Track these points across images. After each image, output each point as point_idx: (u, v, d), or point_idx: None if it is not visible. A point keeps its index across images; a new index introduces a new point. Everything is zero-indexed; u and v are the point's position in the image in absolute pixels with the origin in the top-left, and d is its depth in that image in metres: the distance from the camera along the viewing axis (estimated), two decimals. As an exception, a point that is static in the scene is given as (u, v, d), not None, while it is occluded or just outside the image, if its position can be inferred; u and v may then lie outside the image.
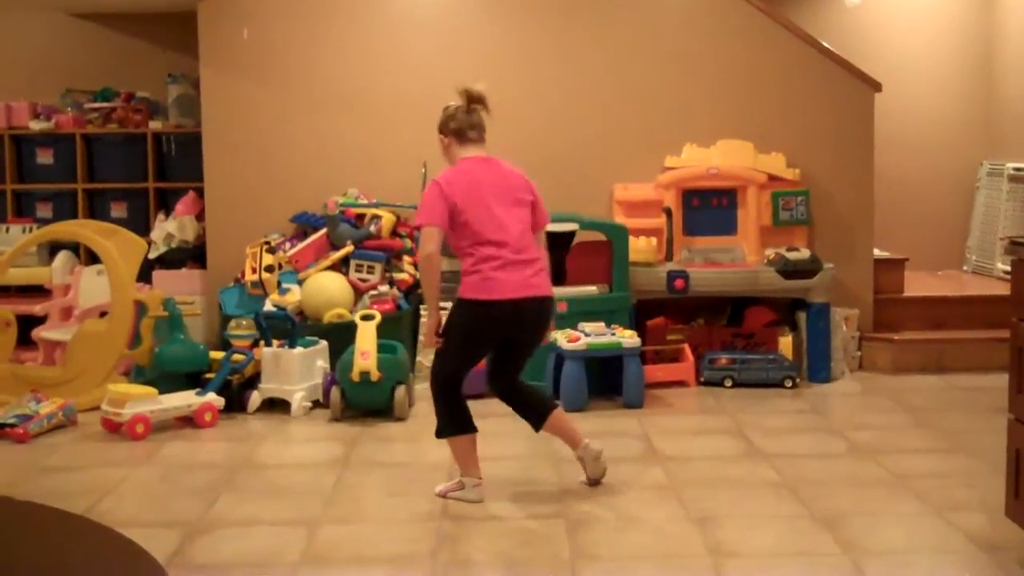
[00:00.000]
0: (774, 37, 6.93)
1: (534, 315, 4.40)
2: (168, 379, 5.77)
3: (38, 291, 7.00)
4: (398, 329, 6.24)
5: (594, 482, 4.51)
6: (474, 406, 5.88)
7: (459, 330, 4.39)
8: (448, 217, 4.32)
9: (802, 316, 6.50)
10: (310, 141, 7.01)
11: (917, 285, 7.31)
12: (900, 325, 6.93)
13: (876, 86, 6.96)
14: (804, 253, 6.45)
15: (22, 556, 2.37)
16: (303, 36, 6.98)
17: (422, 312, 4.65)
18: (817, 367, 6.43)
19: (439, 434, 4.48)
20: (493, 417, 5.70)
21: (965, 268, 8.25)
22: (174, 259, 7.16)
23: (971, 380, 6.40)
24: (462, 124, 4.55)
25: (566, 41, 6.98)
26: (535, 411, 4.55)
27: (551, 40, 6.97)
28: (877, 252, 7.10)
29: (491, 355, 4.54)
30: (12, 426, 5.30)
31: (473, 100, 4.58)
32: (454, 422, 4.47)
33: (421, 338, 4.67)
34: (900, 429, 5.43)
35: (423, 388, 6.20)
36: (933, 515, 4.10)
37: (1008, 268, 3.98)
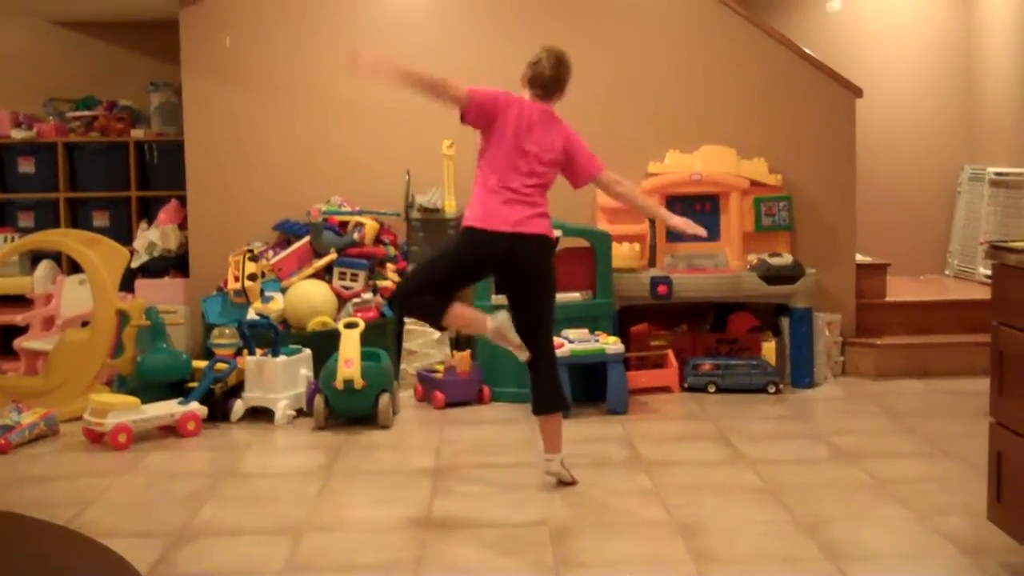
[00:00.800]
0: (756, 43, 6.96)
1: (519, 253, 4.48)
2: (151, 388, 5.74)
3: (20, 301, 6.97)
4: (382, 337, 6.23)
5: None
6: (462, 413, 5.92)
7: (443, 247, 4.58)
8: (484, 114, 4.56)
9: (785, 321, 6.52)
10: (293, 149, 7.00)
11: (899, 290, 7.34)
12: (883, 330, 6.96)
13: (857, 92, 6.99)
14: (787, 258, 6.47)
15: (5, 566, 2.37)
16: (285, 44, 6.97)
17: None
18: (800, 372, 6.44)
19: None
20: (479, 424, 5.72)
21: (947, 272, 8.29)
22: (156, 268, 7.15)
23: (953, 384, 6.42)
24: (536, 74, 4.74)
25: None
26: (542, 399, 4.59)
27: (533, 46, 6.95)
28: (859, 257, 7.12)
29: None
30: (-7, 436, 5.28)
31: (560, 63, 4.76)
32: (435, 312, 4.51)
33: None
34: (883, 434, 5.45)
35: (407, 396, 6.23)
36: (916, 520, 4.12)
37: (989, 272, 4.01)
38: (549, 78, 4.73)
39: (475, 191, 4.58)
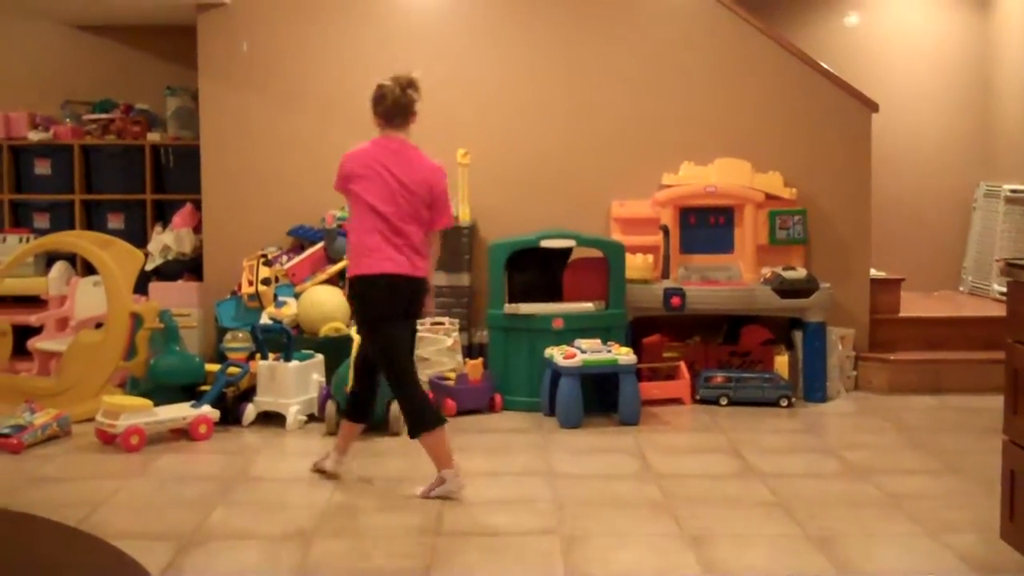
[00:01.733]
0: (773, 57, 6.96)
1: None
2: (163, 391, 5.76)
3: (34, 301, 7.00)
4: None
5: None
6: (474, 421, 5.92)
7: None
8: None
9: (798, 335, 6.50)
10: (308, 154, 7.01)
11: (913, 305, 7.33)
12: (896, 345, 6.94)
13: (873, 106, 6.98)
14: (800, 272, 6.46)
15: (16, 566, 2.37)
16: (302, 49, 7.00)
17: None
18: (813, 386, 6.43)
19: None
20: (490, 433, 5.72)
21: (961, 289, 8.27)
22: (171, 271, 7.16)
23: (966, 401, 6.40)
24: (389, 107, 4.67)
25: (566, 59, 6.99)
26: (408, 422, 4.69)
27: (551, 58, 6.99)
28: (873, 272, 7.11)
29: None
30: (6, 436, 5.29)
31: (406, 86, 4.70)
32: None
33: None
34: (895, 449, 5.43)
35: (418, 403, 6.21)
36: (927, 536, 4.10)
37: (1004, 289, 4.00)
38: (406, 102, 4.72)
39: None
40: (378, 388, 4.85)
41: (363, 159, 4.63)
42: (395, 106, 4.66)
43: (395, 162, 4.61)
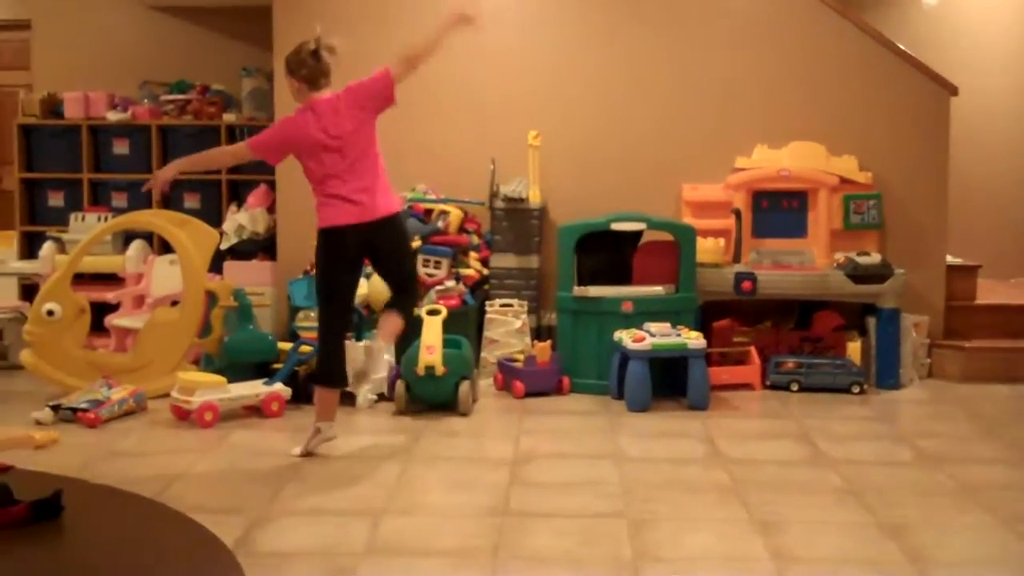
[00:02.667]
0: (848, 37, 6.86)
1: None
2: (237, 368, 5.84)
3: (112, 279, 7.13)
4: (464, 324, 6.27)
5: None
6: (542, 402, 5.93)
7: None
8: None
9: (871, 321, 6.42)
10: (380, 137, 7.03)
11: (989, 293, 7.20)
12: (971, 333, 6.83)
13: (952, 89, 6.86)
14: (875, 258, 6.37)
15: (97, 537, 2.43)
16: (375, 33, 7.02)
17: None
18: (885, 373, 6.35)
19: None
20: (557, 415, 5.73)
21: (1039, 277, 8.12)
22: (245, 250, 7.26)
23: (1043, 391, 6.30)
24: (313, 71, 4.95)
25: (635, 39, 6.96)
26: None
27: (620, 38, 6.96)
28: (950, 258, 7.00)
29: None
30: (84, 411, 5.41)
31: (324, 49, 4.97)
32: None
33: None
34: (968, 439, 5.35)
35: (487, 384, 6.26)
36: (1001, 526, 4.04)
37: (1085, 277, 3.93)
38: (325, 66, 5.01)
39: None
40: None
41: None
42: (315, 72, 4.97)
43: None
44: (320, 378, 4.99)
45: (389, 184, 4.98)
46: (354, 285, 5.03)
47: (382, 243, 4.89)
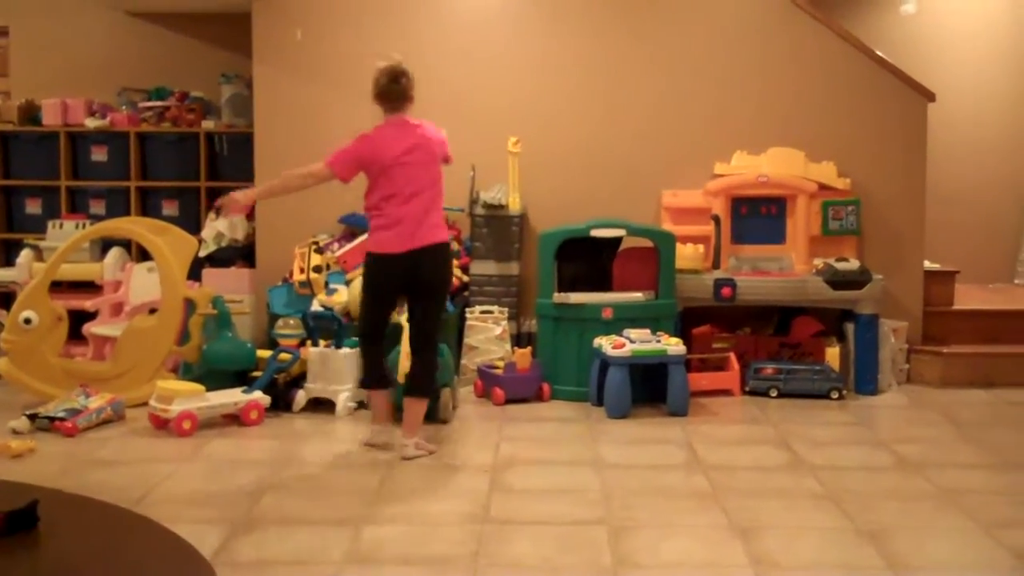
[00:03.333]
0: (827, 45, 6.89)
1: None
2: (215, 376, 5.82)
3: (90, 287, 7.09)
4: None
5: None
6: (522, 409, 5.93)
7: None
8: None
9: (850, 327, 6.45)
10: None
11: (967, 298, 7.24)
12: (949, 338, 6.86)
13: (929, 96, 6.90)
14: (853, 263, 6.40)
15: (73, 548, 2.41)
16: (355, 37, 7.03)
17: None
18: (864, 379, 6.37)
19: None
20: (538, 422, 5.73)
21: (1016, 282, 8.16)
22: (224, 258, 7.23)
23: (1020, 395, 6.33)
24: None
25: (615, 46, 6.97)
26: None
27: (600, 45, 6.97)
28: (927, 264, 7.03)
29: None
30: (61, 420, 5.37)
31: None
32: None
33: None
34: (947, 443, 5.38)
35: (467, 391, 6.25)
36: (980, 531, 4.06)
37: (1061, 283, 3.95)
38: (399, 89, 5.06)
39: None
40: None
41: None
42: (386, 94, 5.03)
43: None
44: (361, 381, 5.39)
45: (443, 221, 5.09)
46: (392, 307, 5.24)
47: (423, 272, 4.95)
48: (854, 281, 6.32)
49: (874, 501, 4.40)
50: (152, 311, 6.39)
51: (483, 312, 6.53)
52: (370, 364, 5.19)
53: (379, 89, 5.02)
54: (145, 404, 5.61)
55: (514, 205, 6.61)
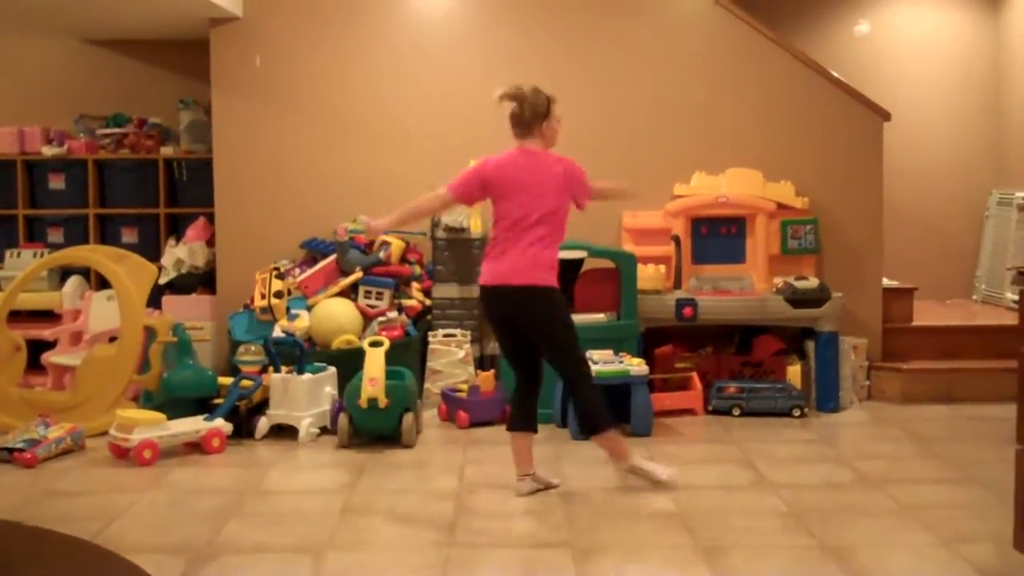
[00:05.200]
0: (784, 67, 6.96)
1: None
2: (176, 405, 5.77)
3: (48, 316, 7.03)
4: (407, 356, 6.25)
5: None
6: (487, 432, 5.91)
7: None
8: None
9: (811, 345, 6.49)
10: (320, 167, 7.04)
11: (926, 314, 7.31)
12: (909, 354, 6.92)
13: (885, 115, 6.98)
14: (813, 282, 6.45)
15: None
16: (314, 64, 7.03)
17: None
18: (826, 396, 6.41)
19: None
20: (502, 445, 5.70)
21: (974, 297, 8.24)
22: (184, 284, 7.19)
23: (980, 410, 6.38)
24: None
25: (577, 71, 7.00)
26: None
27: (563, 70, 7.00)
28: (886, 281, 7.09)
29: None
30: (20, 451, 5.31)
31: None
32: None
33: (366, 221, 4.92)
34: (909, 459, 5.42)
35: (431, 415, 6.23)
36: (941, 546, 4.09)
37: (1017, 298, 3.98)
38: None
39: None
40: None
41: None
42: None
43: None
44: (508, 423, 4.93)
45: (552, 265, 4.81)
46: (519, 346, 4.83)
47: (519, 313, 4.74)
48: (814, 299, 6.37)
49: (837, 518, 4.43)
50: (112, 339, 6.34)
51: (446, 335, 6.52)
52: (512, 405, 4.94)
53: (510, 113, 4.85)
54: (105, 433, 5.56)
55: (476, 228, 6.61)
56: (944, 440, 5.76)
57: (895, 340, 6.98)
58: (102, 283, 6.95)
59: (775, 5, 8.15)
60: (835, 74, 7.08)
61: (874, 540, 4.17)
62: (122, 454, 5.39)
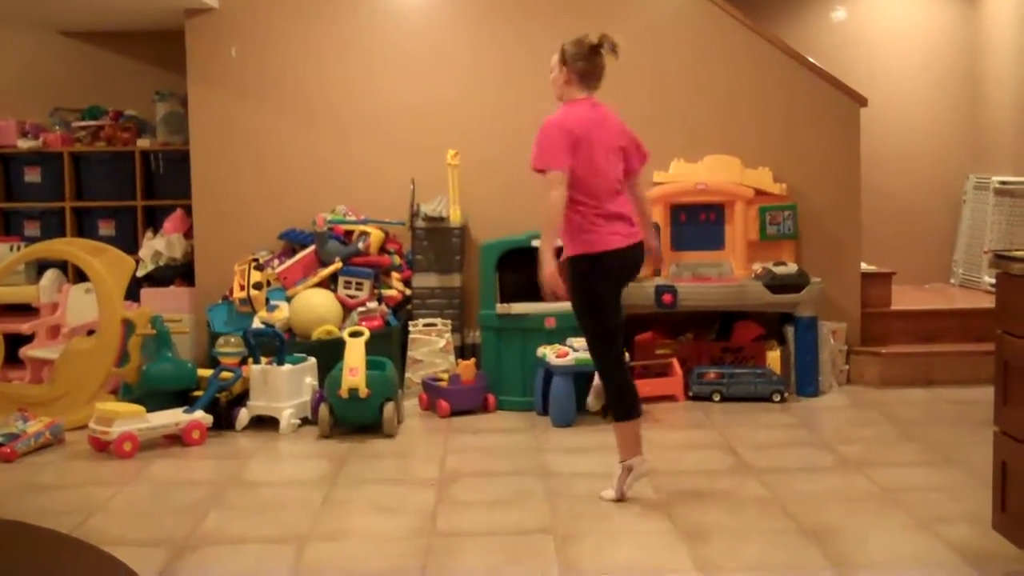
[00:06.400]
0: (760, 52, 6.97)
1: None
2: (156, 397, 5.75)
3: (26, 309, 6.99)
4: (387, 345, 6.24)
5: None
6: (467, 421, 5.92)
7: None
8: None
9: (790, 330, 6.52)
10: (298, 158, 7.02)
11: (904, 299, 7.34)
12: (888, 339, 6.95)
13: (862, 101, 6.99)
14: (791, 267, 6.47)
15: (9, 575, 2.37)
16: (290, 54, 7.00)
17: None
18: (805, 381, 6.44)
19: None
20: (483, 433, 5.72)
21: (952, 281, 8.28)
22: (162, 277, 7.16)
23: (958, 393, 6.42)
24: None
25: (550, 57, 6.98)
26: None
27: (536, 55, 6.96)
28: (864, 266, 7.12)
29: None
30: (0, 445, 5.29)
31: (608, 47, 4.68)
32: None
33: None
34: (888, 442, 5.44)
35: (412, 404, 6.23)
36: (921, 528, 4.11)
37: (994, 281, 4.00)
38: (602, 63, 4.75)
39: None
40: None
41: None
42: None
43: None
44: (617, 412, 4.56)
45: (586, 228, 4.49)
46: (621, 311, 4.56)
47: (635, 274, 4.63)
48: (793, 285, 6.39)
49: (817, 502, 4.45)
50: (90, 332, 6.32)
51: (426, 325, 6.52)
52: (623, 388, 4.56)
53: (576, 58, 4.72)
54: (85, 427, 5.54)
55: (455, 217, 6.60)
56: (923, 423, 5.79)
57: (874, 324, 7.01)
58: (79, 276, 6.91)
59: (752, -9, 8.16)
60: (812, 60, 7.09)
61: (854, 523, 4.19)
62: (102, 447, 5.37)
